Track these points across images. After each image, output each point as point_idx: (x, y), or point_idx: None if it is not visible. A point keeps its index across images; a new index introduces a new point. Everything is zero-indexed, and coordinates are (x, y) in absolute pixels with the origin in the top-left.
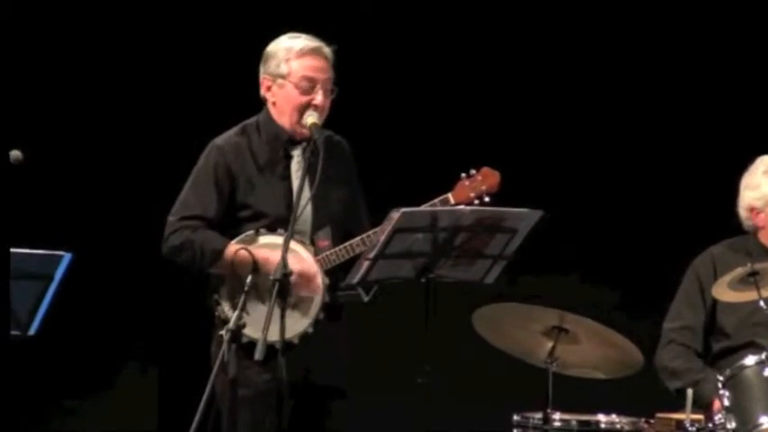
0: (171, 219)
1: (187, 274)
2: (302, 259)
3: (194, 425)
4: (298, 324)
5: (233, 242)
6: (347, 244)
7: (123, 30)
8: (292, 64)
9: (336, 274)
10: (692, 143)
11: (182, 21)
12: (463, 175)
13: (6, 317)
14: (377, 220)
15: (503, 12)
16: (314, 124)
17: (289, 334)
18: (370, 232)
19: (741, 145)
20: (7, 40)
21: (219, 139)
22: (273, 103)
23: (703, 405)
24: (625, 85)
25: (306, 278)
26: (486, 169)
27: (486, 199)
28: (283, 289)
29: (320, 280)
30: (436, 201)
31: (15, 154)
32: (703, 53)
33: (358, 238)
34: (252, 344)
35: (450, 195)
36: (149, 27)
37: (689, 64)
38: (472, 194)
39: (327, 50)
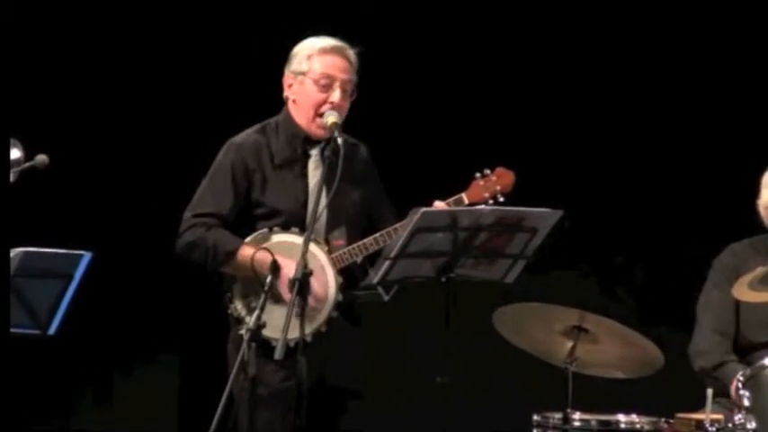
0: (186, 215)
1: (200, 272)
2: (313, 260)
3: (214, 425)
4: (311, 322)
5: (246, 241)
6: (360, 243)
7: (145, 34)
8: (313, 61)
9: (350, 272)
10: (712, 143)
11: (201, 25)
12: (478, 174)
13: (6, 317)
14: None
15: (516, 9)
16: (334, 123)
17: (291, 335)
18: (383, 232)
19: (761, 144)
20: (32, 45)
21: (238, 138)
22: (294, 101)
23: (724, 387)
24: (643, 87)
25: (316, 280)
26: (500, 169)
27: (501, 199)
28: (303, 288)
29: (332, 279)
30: (450, 200)
31: (41, 158)
32: (721, 52)
33: (371, 237)
34: (268, 343)
35: (464, 195)
36: (172, 31)
37: (706, 63)
38: (486, 194)
39: (350, 52)
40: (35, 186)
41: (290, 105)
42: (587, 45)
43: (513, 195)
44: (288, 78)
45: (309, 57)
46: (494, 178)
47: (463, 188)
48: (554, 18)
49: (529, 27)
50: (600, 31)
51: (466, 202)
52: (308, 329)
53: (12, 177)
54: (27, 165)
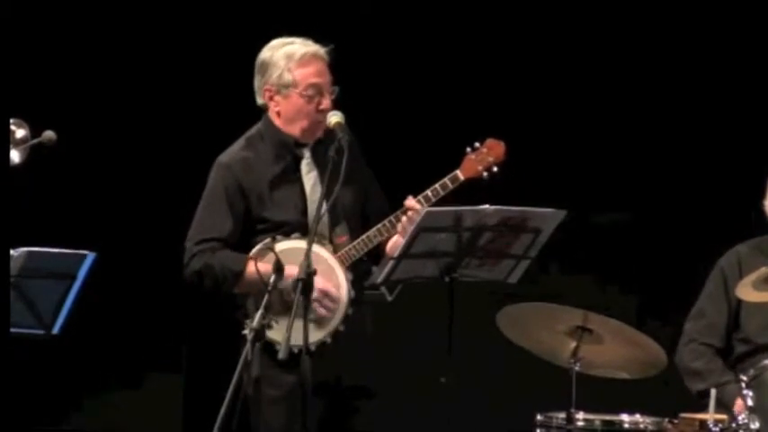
0: (188, 244)
1: (213, 297)
2: (326, 277)
3: (218, 425)
4: (328, 324)
5: (251, 254)
6: (364, 236)
7: (146, 34)
8: (296, 73)
9: (360, 266)
10: (717, 142)
11: (202, 25)
12: (468, 149)
13: (6, 317)
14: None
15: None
16: (338, 123)
17: (311, 339)
18: (386, 221)
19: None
20: (44, 45)
21: (225, 157)
22: (278, 113)
23: (726, 407)
24: (648, 83)
25: (328, 282)
26: (490, 140)
27: (495, 170)
28: (307, 288)
29: (342, 278)
30: (446, 179)
31: (48, 134)
32: (728, 51)
33: (374, 229)
34: (272, 346)
35: (458, 172)
36: (173, 31)
37: (713, 62)
38: (480, 167)
39: (323, 52)
40: (39, 186)
41: (273, 115)
42: (595, 45)
43: (516, 196)
44: (268, 90)
45: (290, 69)
46: (485, 150)
47: (456, 166)
48: (554, 19)
49: (530, 27)
50: (614, 30)
51: (461, 178)
52: (326, 331)
53: (20, 156)
54: (34, 141)
